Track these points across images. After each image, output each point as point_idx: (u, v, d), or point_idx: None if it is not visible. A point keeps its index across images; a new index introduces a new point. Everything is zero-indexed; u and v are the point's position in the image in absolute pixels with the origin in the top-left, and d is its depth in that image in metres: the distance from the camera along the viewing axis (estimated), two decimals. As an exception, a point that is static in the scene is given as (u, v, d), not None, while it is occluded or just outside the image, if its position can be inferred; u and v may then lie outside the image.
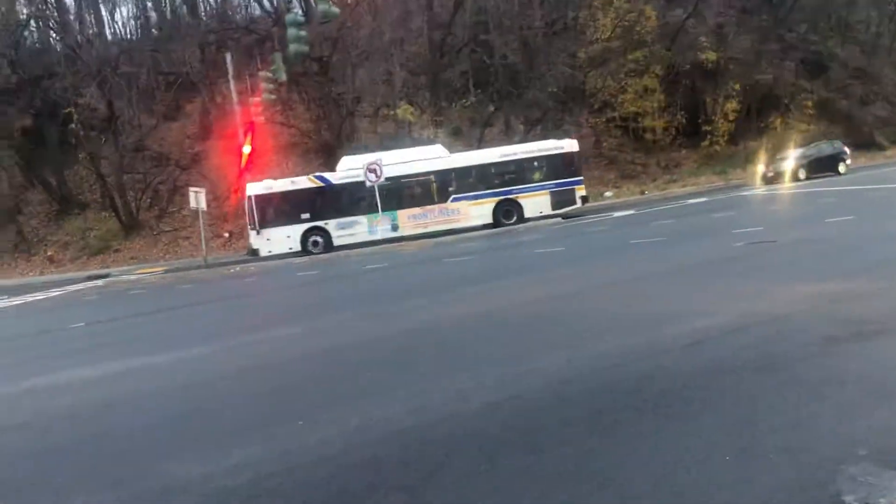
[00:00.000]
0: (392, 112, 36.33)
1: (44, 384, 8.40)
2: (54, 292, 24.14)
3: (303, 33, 17.85)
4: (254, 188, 25.79)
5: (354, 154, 27.38)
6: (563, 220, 26.21)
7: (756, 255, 11.36)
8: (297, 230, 25.59)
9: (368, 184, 24.90)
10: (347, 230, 25.77)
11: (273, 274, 22.04)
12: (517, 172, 26.31)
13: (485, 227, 26.02)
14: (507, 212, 26.12)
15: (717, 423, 4.43)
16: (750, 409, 4.61)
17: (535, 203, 26.14)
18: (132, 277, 26.77)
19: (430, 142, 29.06)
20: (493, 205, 26.04)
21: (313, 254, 25.37)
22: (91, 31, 44.08)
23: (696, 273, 10.49)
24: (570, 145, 27.11)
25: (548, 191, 26.32)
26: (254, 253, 25.97)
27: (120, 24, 48.18)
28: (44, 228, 38.02)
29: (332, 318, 10.96)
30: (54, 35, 42.76)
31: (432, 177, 26.17)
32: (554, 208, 26.43)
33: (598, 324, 7.69)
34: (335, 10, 18.81)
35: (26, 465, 5.47)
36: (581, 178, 27.09)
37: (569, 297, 9.76)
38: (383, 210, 25.47)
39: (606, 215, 26.06)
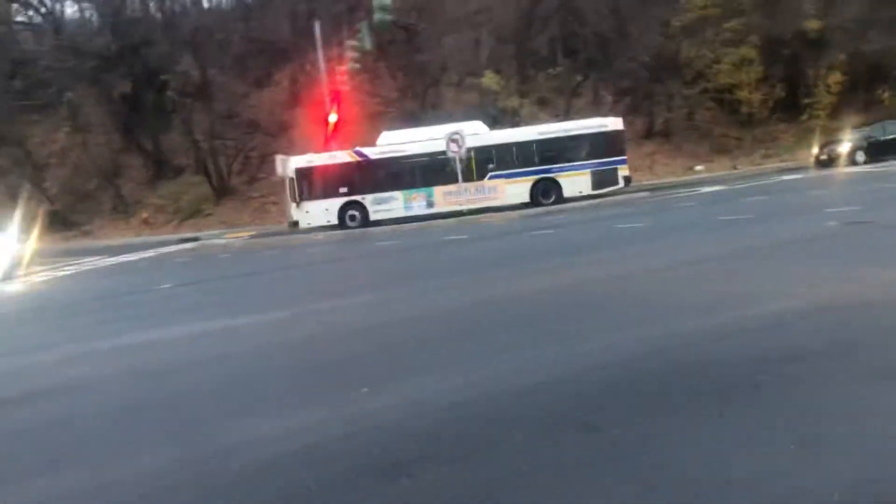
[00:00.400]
0: (477, 81, 36.06)
1: (128, 343, 8.82)
2: (148, 253, 25.22)
3: (387, 1, 17.85)
4: (296, 161, 26.20)
5: (393, 129, 27.88)
6: (648, 195, 25.63)
7: (848, 236, 10.83)
8: (335, 204, 25.92)
9: (451, 154, 24.86)
10: (384, 205, 25.96)
11: (354, 242, 22.38)
12: (557, 150, 25.52)
13: (522, 205, 25.46)
14: (546, 191, 25.49)
15: (782, 410, 4.25)
16: (818, 397, 4.41)
17: (575, 182, 25.39)
18: (221, 241, 27.69)
19: (465, 117, 27.89)
20: (530, 183, 25.49)
21: (350, 227, 25.69)
22: (189, 1, 45.29)
23: (782, 253, 10.08)
24: (613, 123, 26.06)
25: (588, 170, 25.48)
26: (294, 225, 26.37)
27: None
28: (139, 192, 39.69)
29: (408, 288, 11.07)
30: (153, 3, 44.10)
31: (471, 153, 25.54)
32: (594, 188, 25.53)
33: (672, 303, 7.48)
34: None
35: (102, 421, 5.75)
36: (624, 157, 25.92)
37: (646, 275, 9.55)
38: (419, 186, 25.60)
39: (694, 190, 25.32)
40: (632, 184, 26.50)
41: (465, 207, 25.55)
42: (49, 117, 42.39)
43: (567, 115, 33.10)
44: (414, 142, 25.86)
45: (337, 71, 28.66)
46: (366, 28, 22.84)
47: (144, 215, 37.45)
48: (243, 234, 29.23)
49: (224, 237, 29.06)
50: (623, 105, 34.68)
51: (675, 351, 5.68)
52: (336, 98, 28.84)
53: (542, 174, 25.38)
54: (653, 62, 36.64)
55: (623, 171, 25.70)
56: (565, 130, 25.86)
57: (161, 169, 39.62)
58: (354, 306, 9.77)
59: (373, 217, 25.93)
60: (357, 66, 26.86)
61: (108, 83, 39.69)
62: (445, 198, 25.69)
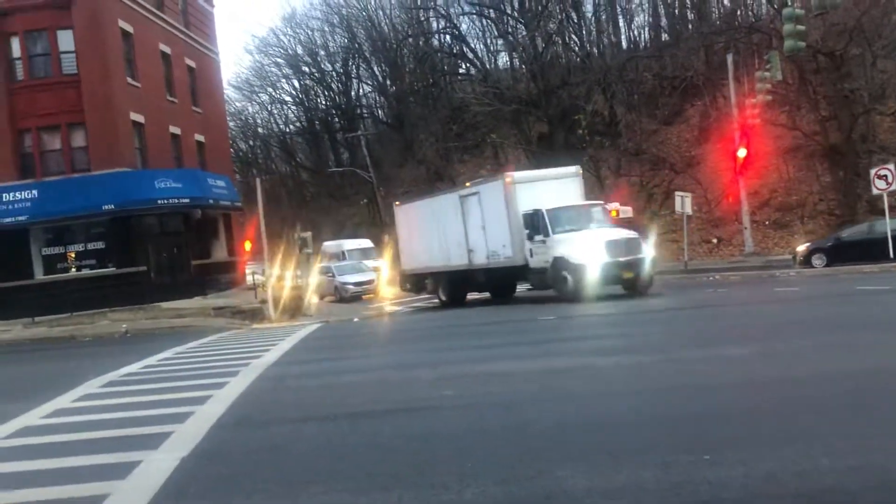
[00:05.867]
0: (920, 109, 31.23)
1: (495, 370, 9.40)
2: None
3: (801, 27, 16.36)
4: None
5: None
6: None
7: None
8: None
9: (876, 191, 21.97)
10: None
11: (750, 287, 20.73)
12: None
13: None
14: None
15: None
16: None
17: None
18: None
19: None
20: None
21: None
22: (607, 41, 46.92)
23: None
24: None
25: None
26: None
27: (635, 31, 50.03)
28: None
29: (793, 343, 9.89)
30: (575, 46, 46.49)
31: None
32: None
33: None
34: (836, -1, 16.62)
35: (426, 447, 6.06)
36: None
37: None
38: None
39: None
40: None
41: None
42: (475, 157, 47.31)
43: None
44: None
45: (748, 104, 27.17)
46: (775, 57, 21.19)
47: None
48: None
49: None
50: None
51: None
52: (745, 132, 27.33)
53: None
54: None
55: None
56: None
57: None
58: (719, 359, 8.98)
59: None
60: (769, 97, 25.09)
61: (527, 124, 42.86)
62: None
